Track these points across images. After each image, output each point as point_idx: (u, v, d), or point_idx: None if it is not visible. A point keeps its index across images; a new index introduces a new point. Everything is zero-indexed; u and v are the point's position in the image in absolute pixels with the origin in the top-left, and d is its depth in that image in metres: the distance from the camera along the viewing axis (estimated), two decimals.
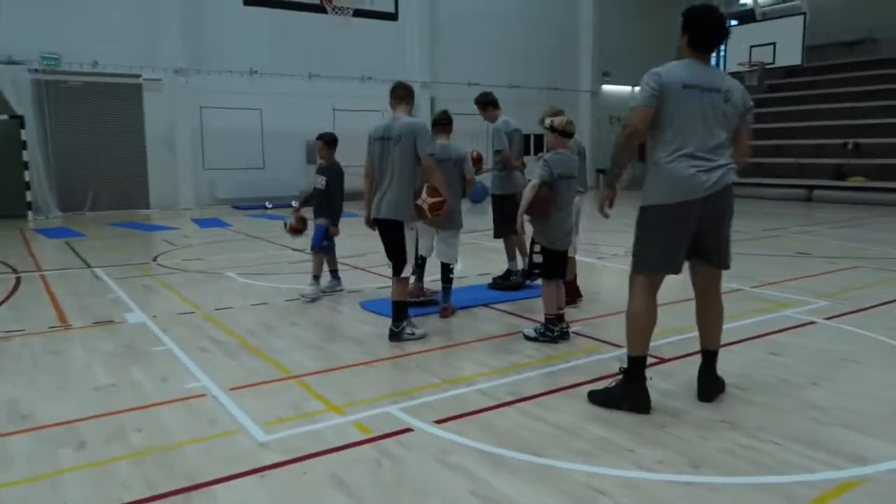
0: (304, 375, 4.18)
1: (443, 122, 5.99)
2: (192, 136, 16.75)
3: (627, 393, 3.58)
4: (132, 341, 4.99)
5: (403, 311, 5.02)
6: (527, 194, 4.73)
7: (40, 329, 5.37)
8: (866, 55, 21.85)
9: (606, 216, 3.81)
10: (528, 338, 4.87)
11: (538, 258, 4.81)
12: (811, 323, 5.31)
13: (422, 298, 5.98)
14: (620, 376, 3.65)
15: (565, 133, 4.80)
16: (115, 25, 15.46)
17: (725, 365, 4.00)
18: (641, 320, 3.57)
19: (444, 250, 5.80)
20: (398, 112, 5.04)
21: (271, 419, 3.48)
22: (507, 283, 6.71)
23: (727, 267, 3.72)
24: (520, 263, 6.82)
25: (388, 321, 5.37)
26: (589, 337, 4.97)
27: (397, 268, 5.01)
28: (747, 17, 26.34)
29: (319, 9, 7.89)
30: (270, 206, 16.66)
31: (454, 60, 20.36)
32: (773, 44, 14.34)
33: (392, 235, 5.02)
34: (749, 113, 3.68)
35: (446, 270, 5.71)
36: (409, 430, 3.34)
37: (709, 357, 3.78)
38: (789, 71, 20.63)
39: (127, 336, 5.14)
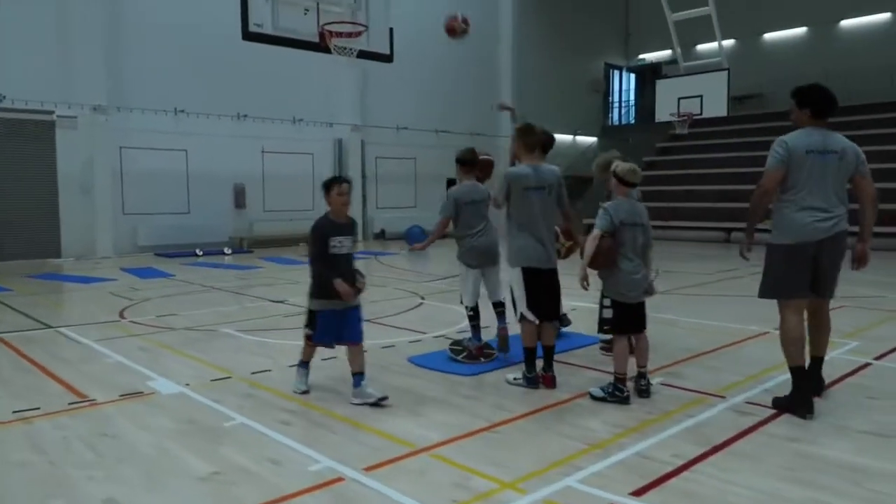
0: (433, 448, 3.75)
1: (471, 162, 5.81)
2: (112, 178, 15.45)
3: (794, 400, 4.25)
4: (189, 416, 4.32)
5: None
6: (588, 247, 4.49)
7: (59, 406, 4.54)
8: (756, 108, 23.99)
9: (747, 259, 4.59)
10: (595, 398, 4.56)
11: (608, 313, 4.57)
12: (868, 364, 5.49)
13: (489, 352, 5.67)
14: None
15: (624, 181, 4.62)
16: (26, 56, 14.10)
17: (846, 411, 4.06)
18: (789, 336, 4.30)
19: (496, 288, 5.73)
20: (533, 159, 4.91)
21: None
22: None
23: (832, 297, 4.51)
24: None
25: (445, 377, 5.09)
26: (682, 388, 4.84)
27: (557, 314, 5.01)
28: (651, 71, 28.27)
29: (322, 49, 7.48)
30: (201, 252, 15.57)
31: (383, 105, 20.25)
32: (701, 96, 15.31)
33: (557, 282, 4.96)
34: (861, 164, 4.33)
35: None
36: None
37: (817, 362, 4.55)
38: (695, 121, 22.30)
39: (176, 410, 4.45)
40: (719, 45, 15.73)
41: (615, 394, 4.53)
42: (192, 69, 16.30)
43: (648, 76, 28.69)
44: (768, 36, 24.57)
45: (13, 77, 13.92)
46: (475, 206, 5.63)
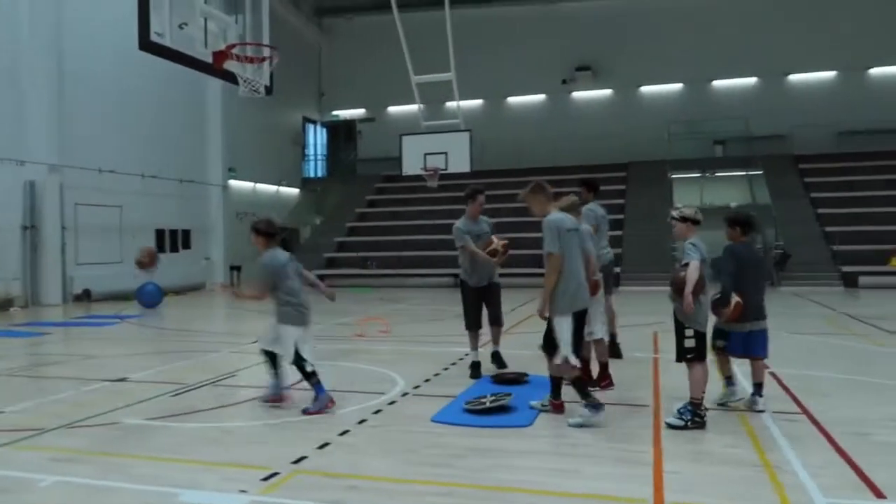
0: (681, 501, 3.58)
1: (273, 233, 5.71)
2: None
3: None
4: None
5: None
6: (693, 275, 4.81)
7: None
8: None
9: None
10: (673, 427, 4.83)
11: (691, 342, 4.91)
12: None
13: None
14: None
15: (697, 221, 5.08)
16: None
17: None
18: None
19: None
20: (554, 207, 5.32)
21: None
22: (513, 373, 6.51)
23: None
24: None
25: (476, 430, 4.88)
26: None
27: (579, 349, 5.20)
28: (345, 127, 29.39)
29: (215, 71, 6.19)
30: None
31: (84, 144, 17.19)
32: (445, 153, 16.63)
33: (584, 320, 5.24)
34: None
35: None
36: None
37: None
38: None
39: None
40: (458, 108, 17.35)
41: (695, 420, 4.85)
42: None
43: (342, 132, 29.87)
44: (512, 99, 27.58)
45: None
46: (288, 269, 5.60)
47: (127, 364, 8.04)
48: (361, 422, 5.19)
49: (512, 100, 27.43)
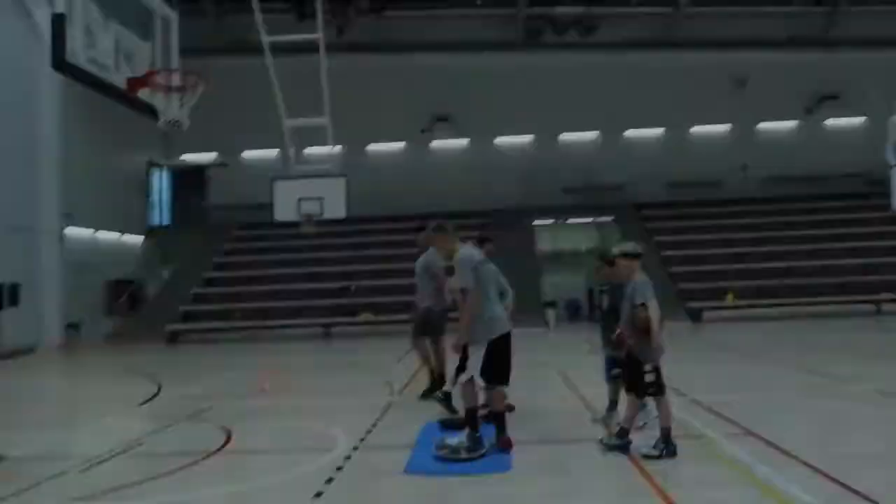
0: None
1: None
2: None
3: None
4: None
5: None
6: (657, 315, 4.99)
7: None
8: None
9: None
10: (649, 457, 4.88)
11: (651, 377, 5.03)
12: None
13: None
14: None
15: (637, 255, 5.31)
16: None
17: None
18: None
19: None
20: (459, 244, 5.51)
21: None
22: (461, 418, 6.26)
23: None
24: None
25: (460, 479, 4.68)
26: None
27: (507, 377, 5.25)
28: (195, 172, 27.77)
29: (129, 100, 5.48)
30: None
31: None
32: (321, 198, 16.17)
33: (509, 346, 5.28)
34: None
35: None
36: None
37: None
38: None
39: None
40: (331, 153, 17.01)
41: (668, 448, 4.96)
42: None
43: (190, 177, 28.11)
44: (373, 146, 27.39)
45: None
46: None
47: None
48: (329, 480, 4.73)
49: (372, 147, 27.54)
